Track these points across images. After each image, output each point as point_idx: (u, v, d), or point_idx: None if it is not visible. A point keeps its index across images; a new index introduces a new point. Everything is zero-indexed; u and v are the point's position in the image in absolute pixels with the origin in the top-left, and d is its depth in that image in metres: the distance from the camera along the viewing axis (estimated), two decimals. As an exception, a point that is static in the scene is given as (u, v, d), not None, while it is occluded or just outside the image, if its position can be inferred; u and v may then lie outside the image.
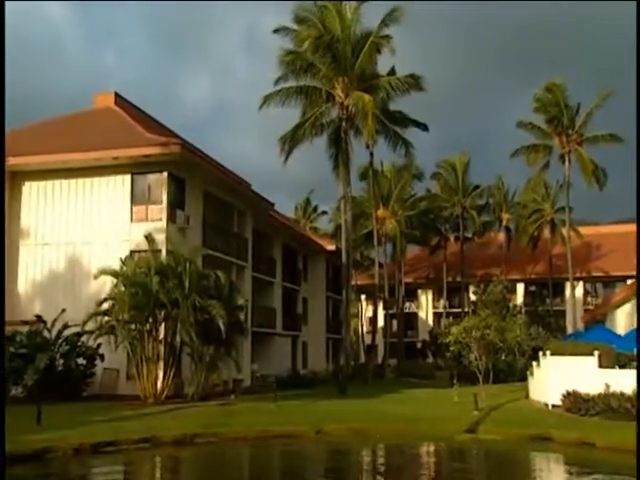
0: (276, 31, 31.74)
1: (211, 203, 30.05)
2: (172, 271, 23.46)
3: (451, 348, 28.58)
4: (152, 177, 26.78)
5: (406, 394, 28.99)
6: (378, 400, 25.15)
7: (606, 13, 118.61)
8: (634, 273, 39.00)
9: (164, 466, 14.82)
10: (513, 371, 32.76)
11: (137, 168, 26.68)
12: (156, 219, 26.25)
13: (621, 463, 14.48)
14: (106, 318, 23.01)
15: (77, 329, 23.34)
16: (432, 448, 17.52)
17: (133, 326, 23.12)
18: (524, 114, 45.45)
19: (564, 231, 48.43)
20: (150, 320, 23.26)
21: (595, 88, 43.09)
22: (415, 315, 67.44)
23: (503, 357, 32.01)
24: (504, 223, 60.16)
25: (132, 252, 25.75)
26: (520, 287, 62.52)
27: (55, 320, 22.97)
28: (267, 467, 15.13)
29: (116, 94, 32.27)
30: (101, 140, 27.60)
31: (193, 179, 28.28)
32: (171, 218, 26.49)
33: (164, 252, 24.89)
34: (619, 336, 26.12)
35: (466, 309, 52.25)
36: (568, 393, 20.37)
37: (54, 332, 23.09)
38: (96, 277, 24.19)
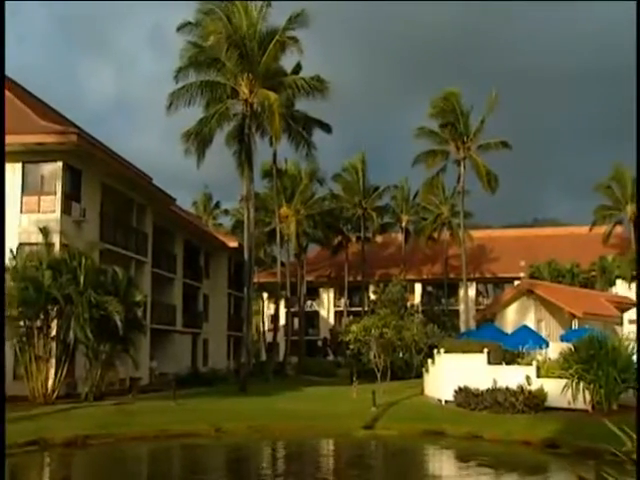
0: (179, 29, 31.09)
1: (110, 196, 28.97)
2: (66, 265, 22.47)
3: (351, 346, 29.05)
4: (46, 166, 25.51)
5: (306, 392, 29.21)
6: (278, 398, 25.20)
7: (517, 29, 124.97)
8: (521, 275, 41.34)
9: (51, 470, 14.16)
10: (410, 368, 33.72)
11: (29, 156, 25.27)
12: (49, 211, 25.01)
13: (504, 452, 15.46)
14: (-9, 314, 21.70)
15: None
16: (330, 443, 17.81)
17: (22, 322, 21.97)
18: (426, 118, 46.71)
19: (460, 233, 50.39)
20: (41, 316, 22.18)
21: (488, 96, 44.59)
22: (317, 313, 68.08)
23: (401, 355, 32.88)
24: (403, 224, 61.83)
25: (21, 244, 24.37)
26: (418, 287, 64.58)
27: None
28: (163, 467, 14.81)
29: (6, 77, 30.24)
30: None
31: (90, 170, 27.14)
32: (65, 210, 25.32)
33: (58, 245, 23.76)
34: (506, 334, 27.53)
35: (366, 308, 53.29)
36: (460, 389, 21.23)
37: None
38: (-19, 270, 22.73)
